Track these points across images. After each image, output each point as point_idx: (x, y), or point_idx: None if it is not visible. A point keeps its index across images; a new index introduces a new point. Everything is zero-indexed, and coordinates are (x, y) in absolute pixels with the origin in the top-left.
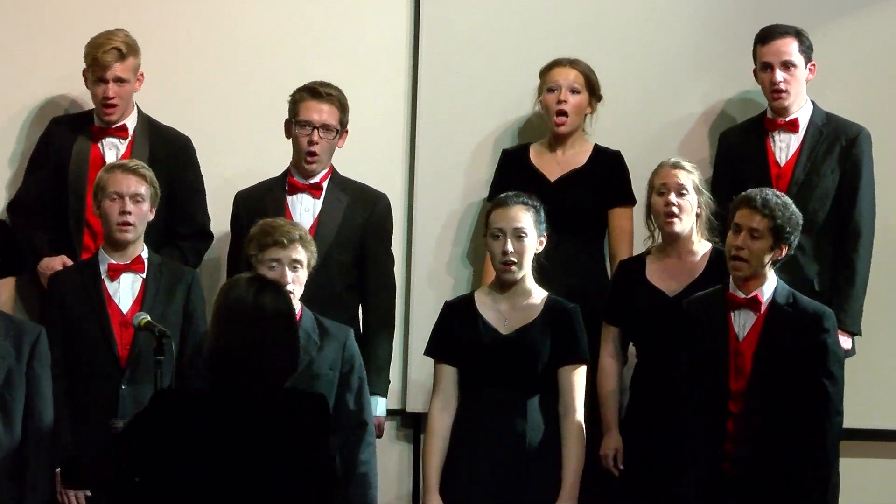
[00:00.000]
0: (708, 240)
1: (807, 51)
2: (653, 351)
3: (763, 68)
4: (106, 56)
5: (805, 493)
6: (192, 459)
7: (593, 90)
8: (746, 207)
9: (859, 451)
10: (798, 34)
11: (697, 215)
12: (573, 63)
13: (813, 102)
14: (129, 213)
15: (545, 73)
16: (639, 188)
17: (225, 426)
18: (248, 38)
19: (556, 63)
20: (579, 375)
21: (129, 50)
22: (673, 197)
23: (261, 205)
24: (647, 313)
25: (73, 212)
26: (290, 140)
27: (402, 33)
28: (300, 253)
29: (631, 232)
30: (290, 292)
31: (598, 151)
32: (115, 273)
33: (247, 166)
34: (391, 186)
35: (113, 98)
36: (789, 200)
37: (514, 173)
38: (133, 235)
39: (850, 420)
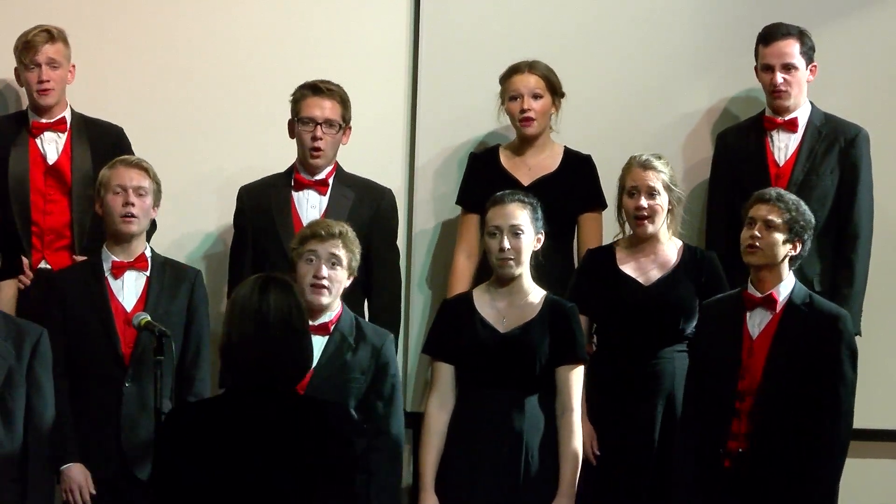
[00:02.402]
0: (679, 236)
1: (808, 52)
2: (623, 340)
3: (764, 69)
4: (36, 38)
5: (810, 494)
6: (205, 463)
7: (555, 91)
8: (761, 202)
9: (859, 451)
10: (801, 35)
11: (669, 211)
12: (531, 67)
13: (811, 102)
14: (133, 206)
15: (505, 80)
16: None
17: (237, 427)
18: (249, 37)
19: (515, 70)
20: (577, 375)
21: (59, 35)
22: (643, 200)
23: (265, 200)
24: (621, 302)
25: (18, 211)
26: (294, 140)
27: (402, 33)
28: (339, 249)
29: (601, 236)
30: (323, 288)
31: (569, 155)
32: (118, 271)
33: (248, 164)
34: (391, 186)
35: (48, 80)
36: (803, 202)
37: (484, 177)
38: (137, 228)
39: None
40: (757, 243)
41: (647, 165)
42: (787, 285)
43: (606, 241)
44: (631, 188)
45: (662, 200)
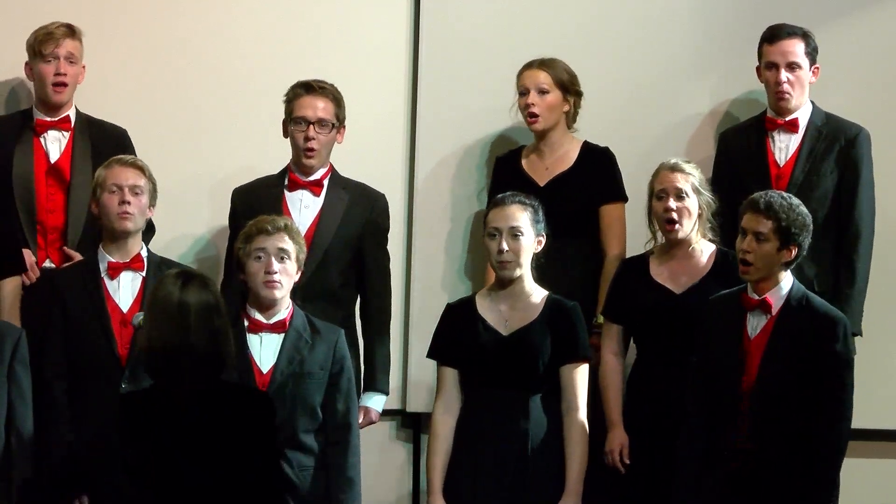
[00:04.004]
0: (710, 240)
1: (812, 52)
2: (658, 348)
3: (768, 67)
4: (57, 31)
5: (809, 495)
6: (141, 455)
7: (566, 88)
8: (750, 211)
9: (859, 451)
10: (805, 35)
11: (699, 215)
12: (542, 64)
13: (812, 102)
14: (129, 204)
15: (517, 77)
16: (644, 188)
17: (165, 422)
18: (248, 37)
19: (527, 66)
20: (581, 373)
21: (77, 32)
22: (672, 202)
23: (259, 201)
24: (653, 311)
25: (23, 209)
26: (289, 140)
27: (402, 33)
28: (286, 242)
29: (622, 227)
30: (276, 283)
31: (587, 150)
32: (114, 271)
33: (245, 164)
34: (391, 187)
35: (64, 74)
36: (797, 201)
37: (506, 180)
38: (133, 226)
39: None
40: (748, 258)
41: (675, 168)
42: (783, 287)
43: (638, 239)
44: (659, 191)
45: (692, 203)
